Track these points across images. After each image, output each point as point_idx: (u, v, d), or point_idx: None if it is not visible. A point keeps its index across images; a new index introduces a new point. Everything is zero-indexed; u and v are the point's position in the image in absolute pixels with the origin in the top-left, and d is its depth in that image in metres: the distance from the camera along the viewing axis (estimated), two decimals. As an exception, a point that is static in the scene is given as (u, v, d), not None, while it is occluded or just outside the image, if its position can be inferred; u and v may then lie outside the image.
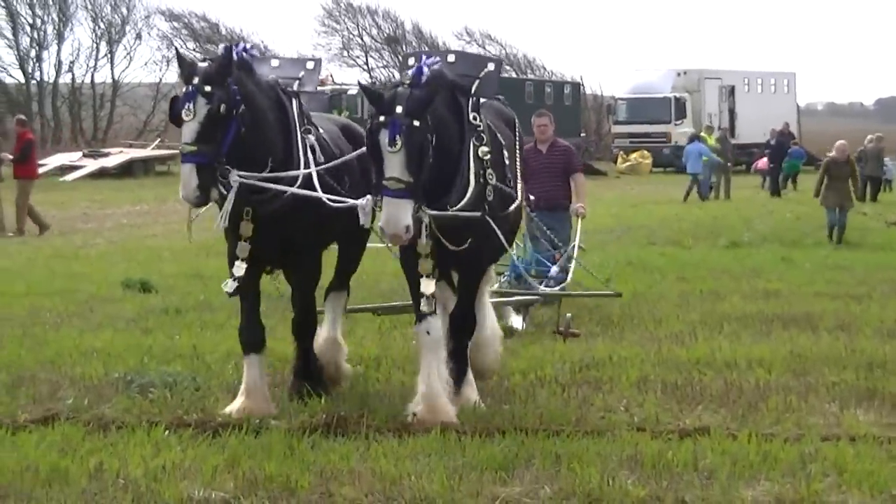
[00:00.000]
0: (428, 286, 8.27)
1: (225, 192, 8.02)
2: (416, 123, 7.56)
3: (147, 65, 72.55)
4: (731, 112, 54.97)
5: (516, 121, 9.68)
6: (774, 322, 13.02)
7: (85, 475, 7.33)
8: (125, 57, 71.18)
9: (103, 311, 13.48)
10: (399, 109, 7.55)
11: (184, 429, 8.29)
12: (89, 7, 68.93)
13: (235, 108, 7.80)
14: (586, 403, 9.25)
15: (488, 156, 8.38)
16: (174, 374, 9.70)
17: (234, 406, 8.63)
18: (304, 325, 9.12)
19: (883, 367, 10.62)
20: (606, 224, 24.98)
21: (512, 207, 9.11)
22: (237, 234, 8.37)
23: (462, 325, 8.85)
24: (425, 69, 8.01)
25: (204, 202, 7.93)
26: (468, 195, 8.19)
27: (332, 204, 8.41)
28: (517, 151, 9.46)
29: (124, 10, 69.64)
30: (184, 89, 7.82)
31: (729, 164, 39.20)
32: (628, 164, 53.78)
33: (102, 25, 69.03)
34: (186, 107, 7.70)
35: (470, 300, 8.90)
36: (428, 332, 8.45)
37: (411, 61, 8.50)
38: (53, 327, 12.47)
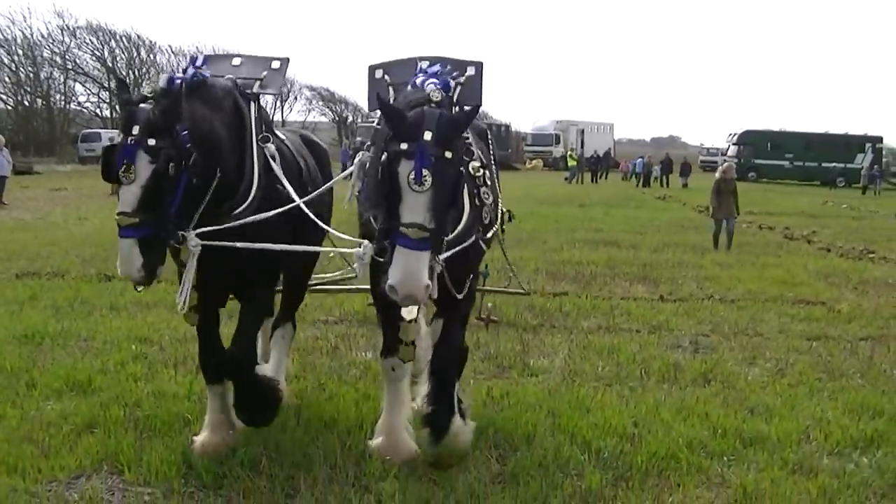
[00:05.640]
0: (408, 332, 3.68)
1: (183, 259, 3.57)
2: (449, 155, 3.07)
3: (299, 112, 70.53)
4: (582, 143, 54.10)
5: (488, 132, 4.17)
6: (599, 243, 12.97)
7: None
8: (289, 109, 69.01)
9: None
10: (428, 136, 3.04)
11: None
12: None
13: (186, 160, 3.26)
14: (511, 280, 9.24)
15: (480, 171, 3.52)
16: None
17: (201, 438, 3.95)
18: (237, 362, 3.83)
19: (651, 266, 10.65)
20: (519, 195, 24.75)
21: (503, 224, 4.34)
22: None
23: (450, 361, 3.82)
24: (451, 83, 3.52)
25: (150, 282, 3.31)
26: (463, 222, 3.43)
27: (345, 257, 4.26)
28: (493, 164, 4.03)
29: (289, 85, 67.33)
30: (121, 139, 3.23)
31: (584, 167, 39.14)
32: (531, 165, 53.29)
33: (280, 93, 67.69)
34: (124, 165, 3.17)
35: (459, 333, 3.94)
36: (393, 369, 3.82)
37: (378, 73, 3.93)
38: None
